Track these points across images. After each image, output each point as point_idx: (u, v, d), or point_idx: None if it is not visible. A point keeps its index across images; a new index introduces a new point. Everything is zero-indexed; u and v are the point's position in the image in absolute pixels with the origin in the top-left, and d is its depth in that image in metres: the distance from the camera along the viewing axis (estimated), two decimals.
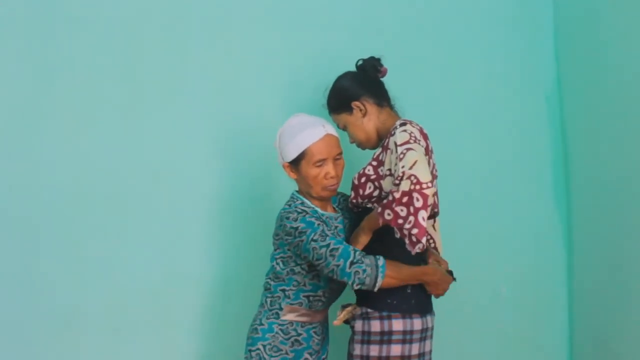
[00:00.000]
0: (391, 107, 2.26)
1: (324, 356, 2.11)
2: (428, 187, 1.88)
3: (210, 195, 2.60)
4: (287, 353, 2.00)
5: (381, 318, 2.02)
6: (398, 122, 2.09)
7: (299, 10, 2.76)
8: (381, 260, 1.89)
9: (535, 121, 3.11)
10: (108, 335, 2.44)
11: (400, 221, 1.89)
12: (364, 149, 2.26)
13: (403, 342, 2.01)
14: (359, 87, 2.20)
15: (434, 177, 2.12)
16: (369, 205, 2.12)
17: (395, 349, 2.00)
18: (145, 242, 2.50)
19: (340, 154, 2.05)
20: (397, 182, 1.93)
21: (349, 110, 2.19)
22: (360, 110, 2.19)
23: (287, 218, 1.95)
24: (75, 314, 2.41)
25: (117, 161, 2.49)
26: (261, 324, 2.05)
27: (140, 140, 2.53)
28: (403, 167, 1.93)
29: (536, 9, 3.15)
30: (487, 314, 2.95)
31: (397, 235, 1.93)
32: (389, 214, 1.92)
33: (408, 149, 1.97)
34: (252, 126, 2.66)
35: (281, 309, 2.02)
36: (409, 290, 2.04)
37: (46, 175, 2.41)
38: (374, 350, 2.01)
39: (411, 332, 2.02)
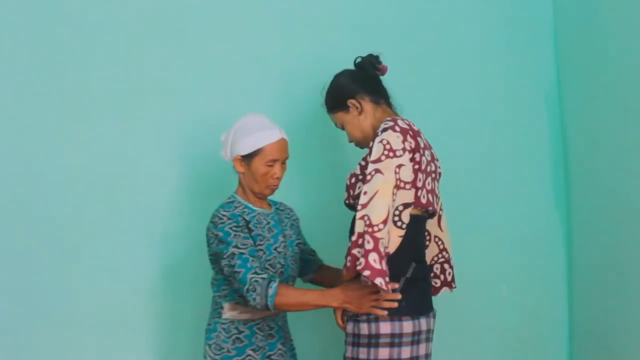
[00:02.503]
0: (389, 104, 2.23)
1: (270, 352, 2.07)
2: (379, 230, 1.86)
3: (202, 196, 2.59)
4: (228, 351, 2.02)
5: (369, 320, 1.97)
6: (382, 125, 2.04)
7: (298, 10, 2.76)
8: (272, 290, 1.89)
9: (535, 121, 3.12)
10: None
11: (356, 263, 1.87)
12: (362, 147, 2.23)
13: (391, 345, 1.95)
14: (354, 84, 2.18)
15: (430, 173, 2.09)
16: (357, 207, 2.09)
17: (383, 353, 1.95)
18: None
19: (287, 159, 2.14)
20: (358, 209, 1.92)
21: (345, 108, 2.18)
22: (357, 108, 2.17)
23: (212, 222, 2.03)
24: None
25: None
26: (209, 324, 2.11)
27: (135, 141, 2.52)
28: (365, 194, 1.92)
29: (536, 9, 3.16)
30: (487, 314, 2.95)
31: (368, 282, 1.89)
32: (349, 260, 1.90)
33: (376, 171, 1.94)
34: None
35: (222, 307, 2.05)
36: (398, 292, 1.99)
37: (37, 175, 2.41)
38: (362, 353, 1.97)
39: (400, 335, 1.96)
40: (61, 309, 2.39)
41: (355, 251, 1.89)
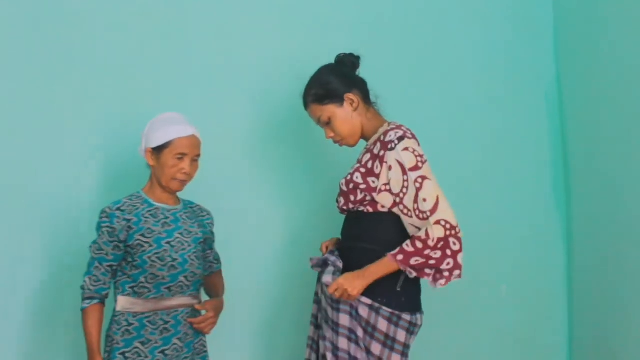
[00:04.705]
0: (374, 108, 2.22)
1: (164, 347, 2.06)
2: (459, 231, 1.99)
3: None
4: (117, 343, 2.03)
5: (372, 306, 2.02)
6: (395, 134, 2.04)
7: (296, 9, 2.76)
8: (85, 304, 2.04)
9: (535, 121, 3.11)
10: None
11: (432, 262, 1.96)
12: (342, 145, 2.20)
13: (389, 320, 2.01)
14: (350, 80, 2.17)
15: None
16: (361, 209, 2.10)
17: (382, 324, 2.01)
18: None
19: (199, 156, 2.14)
20: (421, 217, 1.98)
21: (339, 101, 2.14)
22: (352, 103, 2.14)
23: (99, 213, 2.10)
24: None
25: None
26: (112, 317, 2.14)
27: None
28: (425, 201, 1.97)
29: (536, 9, 3.16)
30: (487, 314, 2.95)
31: (412, 275, 1.98)
32: (417, 260, 1.96)
33: (423, 178, 2.00)
34: (250, 127, 2.67)
35: (116, 300, 2.08)
36: (398, 289, 2.02)
37: None
38: (364, 313, 2.01)
39: (399, 317, 2.02)
40: None
41: (432, 253, 1.95)
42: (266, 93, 2.68)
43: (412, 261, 1.96)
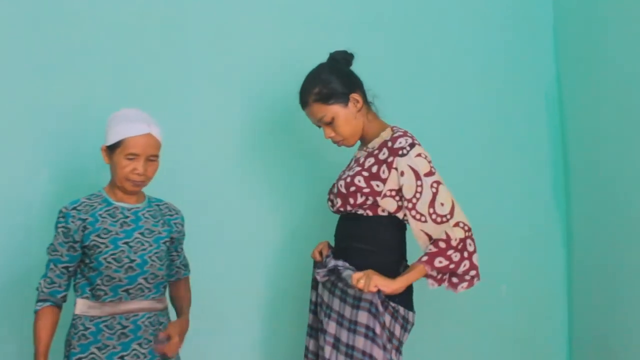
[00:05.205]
0: (371, 106, 2.21)
1: (123, 353, 1.98)
2: (473, 233, 2.04)
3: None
4: (74, 348, 1.97)
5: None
6: (405, 141, 2.04)
7: (296, 8, 2.76)
8: (37, 307, 1.98)
9: (535, 121, 3.12)
10: None
11: (452, 266, 2.00)
12: (340, 145, 2.17)
13: (392, 315, 2.01)
14: (351, 80, 2.14)
15: None
16: (360, 212, 2.09)
17: (387, 319, 2.00)
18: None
19: (156, 156, 2.04)
20: (439, 221, 2.01)
21: (344, 101, 2.11)
22: (356, 104, 2.12)
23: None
24: None
25: None
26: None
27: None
28: (442, 205, 2.01)
29: (536, 9, 3.16)
30: (487, 314, 2.95)
31: (434, 287, 2.03)
32: (440, 262, 1.99)
33: (438, 183, 2.03)
34: (251, 126, 2.67)
35: (75, 303, 2.02)
36: None
37: None
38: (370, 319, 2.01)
39: (397, 310, 2.02)
40: None
41: (453, 255, 2.00)
42: (265, 93, 2.68)
43: (437, 262, 1.99)
